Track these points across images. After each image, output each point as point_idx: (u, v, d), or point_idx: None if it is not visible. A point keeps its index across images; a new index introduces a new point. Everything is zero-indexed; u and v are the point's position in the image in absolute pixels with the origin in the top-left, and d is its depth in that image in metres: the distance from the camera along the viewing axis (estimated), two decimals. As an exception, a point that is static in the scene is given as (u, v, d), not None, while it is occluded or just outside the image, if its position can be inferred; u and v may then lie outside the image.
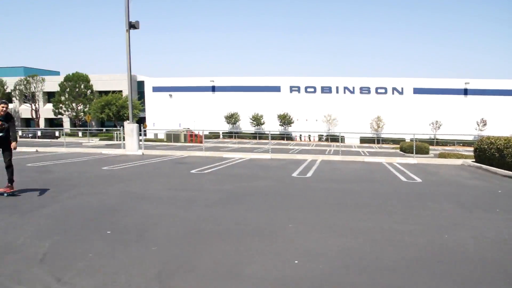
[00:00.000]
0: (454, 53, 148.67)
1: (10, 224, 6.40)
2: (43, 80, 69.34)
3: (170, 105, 66.21)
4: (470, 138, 50.19)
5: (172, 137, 44.75)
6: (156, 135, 53.29)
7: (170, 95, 66.20)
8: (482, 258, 5.13)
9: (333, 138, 56.43)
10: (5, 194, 8.66)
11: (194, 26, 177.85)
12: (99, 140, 43.98)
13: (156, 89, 67.23)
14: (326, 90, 62.99)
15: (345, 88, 62.62)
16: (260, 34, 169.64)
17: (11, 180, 8.82)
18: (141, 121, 60.02)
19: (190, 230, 6.22)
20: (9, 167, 8.80)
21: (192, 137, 44.71)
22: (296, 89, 63.53)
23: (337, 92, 62.77)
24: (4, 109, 8.56)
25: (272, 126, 60.55)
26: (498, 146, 15.94)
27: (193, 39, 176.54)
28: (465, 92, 59.87)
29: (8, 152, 8.80)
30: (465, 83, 59.57)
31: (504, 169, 15.01)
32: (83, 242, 5.47)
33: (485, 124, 57.03)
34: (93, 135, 55.64)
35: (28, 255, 4.90)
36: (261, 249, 5.32)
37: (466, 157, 21.90)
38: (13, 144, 8.76)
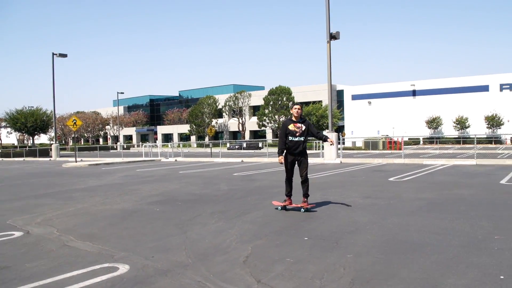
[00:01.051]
0: None
1: (218, 228, 7.07)
2: (250, 95, 75.12)
3: (369, 113, 65.74)
4: None
5: (370, 144, 44.36)
6: (354, 143, 53.39)
7: (369, 102, 65.75)
8: None
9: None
10: (302, 210, 8.25)
11: (391, 31, 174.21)
12: (299, 149, 45.65)
13: (355, 97, 67.46)
14: (546, 85, 55.65)
15: None
16: (461, 30, 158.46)
17: (306, 195, 8.44)
18: (339, 129, 60.90)
19: (386, 239, 6.10)
20: (306, 181, 8.42)
21: (391, 144, 43.65)
22: (508, 86, 57.36)
23: (562, 87, 54.92)
24: (299, 111, 8.41)
25: (477, 129, 55.62)
26: None
27: (391, 44, 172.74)
28: None
29: (305, 163, 8.45)
30: None
31: None
32: (282, 247, 5.77)
33: None
34: (293, 145, 57.75)
35: (233, 257, 5.36)
36: (461, 262, 4.96)
37: None
38: (330, 140, 8.81)
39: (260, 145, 56.66)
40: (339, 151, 24.31)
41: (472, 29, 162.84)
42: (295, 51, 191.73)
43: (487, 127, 56.94)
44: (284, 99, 68.21)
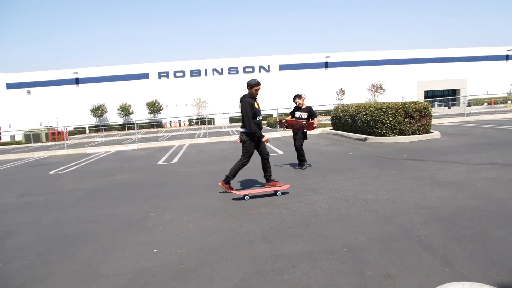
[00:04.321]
0: (316, 29, 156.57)
1: None
2: None
3: (29, 103, 61.70)
4: (331, 107, 53.47)
5: (32, 137, 41.59)
6: (13, 137, 49.42)
7: (28, 92, 61.62)
8: (331, 217, 5.42)
9: (203, 121, 56.73)
10: (279, 193, 7.15)
11: (55, 17, 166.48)
12: None
13: (11, 85, 62.05)
14: (195, 73, 63.10)
15: (214, 70, 63.24)
16: (122, 23, 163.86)
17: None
18: (-7, 123, 55.35)
19: (45, 236, 5.82)
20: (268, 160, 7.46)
21: (55, 135, 42.05)
22: (165, 74, 62.73)
23: (206, 74, 63.22)
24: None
25: (141, 115, 59.40)
26: (351, 113, 17.16)
27: (55, 31, 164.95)
28: (326, 65, 63.87)
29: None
30: (326, 57, 63.62)
31: (357, 133, 16.26)
32: None
33: (343, 94, 61.53)
34: None
35: None
36: (120, 245, 5.16)
37: (325, 125, 23.45)
38: None
39: None
40: (-6, 148, 22.12)
41: (129, 22, 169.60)
42: None
43: (149, 113, 61.01)
44: None
